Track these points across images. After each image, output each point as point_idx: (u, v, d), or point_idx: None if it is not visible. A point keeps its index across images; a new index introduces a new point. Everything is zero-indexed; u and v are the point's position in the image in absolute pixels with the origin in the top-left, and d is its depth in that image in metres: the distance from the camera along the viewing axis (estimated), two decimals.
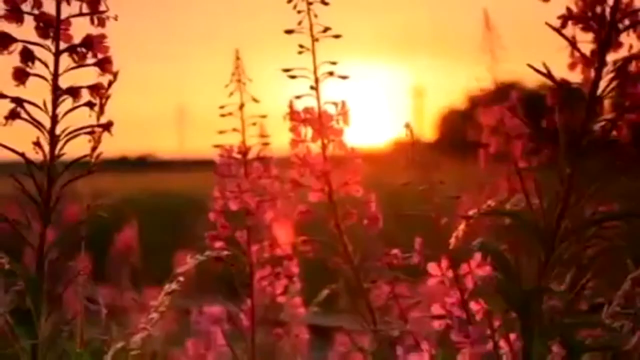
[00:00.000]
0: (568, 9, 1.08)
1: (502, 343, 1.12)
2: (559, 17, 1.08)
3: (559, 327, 1.10)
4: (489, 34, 2.20)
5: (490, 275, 1.08)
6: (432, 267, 1.13)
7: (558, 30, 1.05)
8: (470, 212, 1.26)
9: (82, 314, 1.18)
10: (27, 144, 1.21)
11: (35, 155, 1.20)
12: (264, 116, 1.48)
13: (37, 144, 1.19)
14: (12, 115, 1.17)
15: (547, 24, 1.05)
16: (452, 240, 1.20)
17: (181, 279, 1.19)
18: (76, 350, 1.20)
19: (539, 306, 1.09)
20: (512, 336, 1.12)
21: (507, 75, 2.21)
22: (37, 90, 1.19)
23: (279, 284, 1.52)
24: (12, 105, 1.17)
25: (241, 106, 1.48)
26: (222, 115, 1.48)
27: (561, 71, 1.22)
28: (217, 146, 1.48)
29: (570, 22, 1.11)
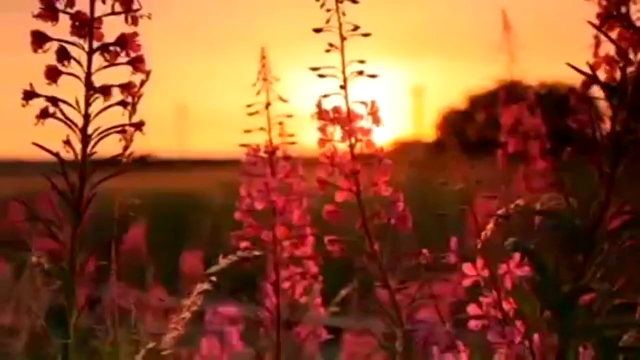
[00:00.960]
0: (606, 8, 1.08)
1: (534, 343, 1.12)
2: (598, 16, 1.08)
3: (595, 328, 1.10)
4: (507, 34, 2.20)
5: (528, 275, 1.08)
6: (467, 267, 1.12)
7: (599, 29, 1.04)
8: (500, 212, 1.27)
9: (115, 313, 1.18)
10: (51, 143, 1.21)
11: (65, 154, 1.20)
12: (290, 116, 1.48)
13: (68, 142, 1.18)
14: (44, 115, 1.16)
15: (590, 23, 1.05)
16: (481, 240, 1.20)
17: (213, 279, 1.19)
18: (108, 350, 1.19)
19: (576, 307, 1.09)
20: (537, 336, 1.12)
21: (523, 75, 2.21)
22: (62, 90, 1.18)
23: (301, 284, 1.51)
24: (42, 104, 1.17)
25: (267, 105, 1.48)
26: (250, 115, 1.47)
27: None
28: (243, 145, 1.48)
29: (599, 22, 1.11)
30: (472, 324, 1.10)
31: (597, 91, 1.12)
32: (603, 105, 1.12)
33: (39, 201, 1.22)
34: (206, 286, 1.18)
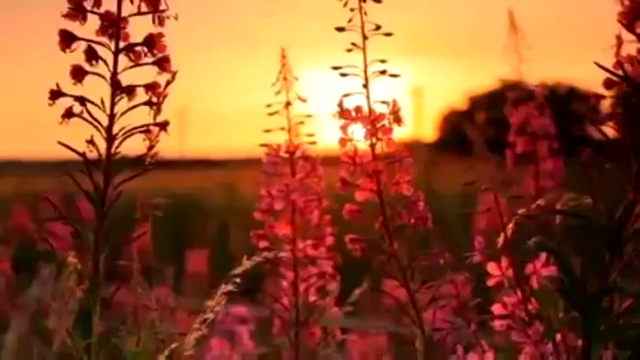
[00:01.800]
0: (631, 7, 1.08)
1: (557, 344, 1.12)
2: (621, 15, 1.08)
3: (620, 328, 1.10)
4: (514, 34, 2.20)
5: (554, 275, 1.08)
6: (491, 266, 1.13)
7: (629, 28, 1.04)
8: (521, 211, 1.27)
9: (139, 313, 1.18)
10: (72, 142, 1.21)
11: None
12: (309, 115, 1.48)
13: (91, 142, 1.18)
14: (69, 114, 1.16)
15: (619, 21, 1.05)
16: (501, 240, 1.20)
17: (237, 280, 1.19)
18: (131, 350, 1.19)
19: (602, 307, 1.09)
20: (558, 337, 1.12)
21: (531, 75, 2.21)
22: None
23: (318, 284, 1.52)
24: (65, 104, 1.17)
25: (287, 104, 1.48)
26: (270, 114, 1.47)
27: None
28: (263, 145, 1.48)
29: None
30: (497, 323, 1.10)
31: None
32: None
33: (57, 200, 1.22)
34: (230, 287, 1.18)
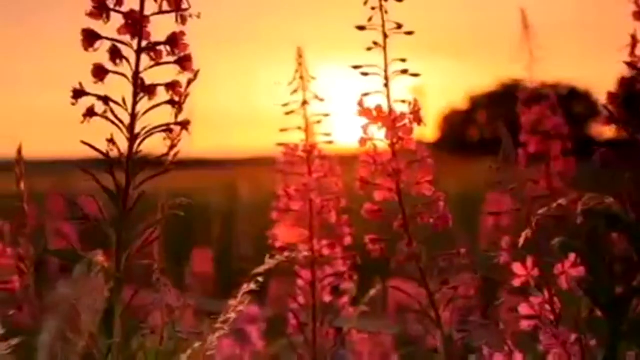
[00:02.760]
0: None
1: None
2: (635, 15, 1.09)
3: None
4: (526, 33, 2.19)
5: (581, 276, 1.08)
6: (517, 266, 1.12)
7: None
8: (541, 211, 1.26)
9: (164, 312, 1.17)
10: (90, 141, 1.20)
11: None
12: (327, 114, 1.47)
13: (112, 141, 1.18)
14: (90, 113, 1.16)
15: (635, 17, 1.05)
16: (522, 240, 1.20)
17: (260, 279, 1.19)
18: (153, 349, 1.19)
19: (629, 308, 1.08)
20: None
21: (545, 75, 2.20)
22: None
23: (333, 284, 1.51)
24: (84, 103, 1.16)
25: (304, 104, 1.47)
26: (287, 114, 1.47)
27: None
28: (280, 144, 1.47)
29: None
30: (524, 323, 1.10)
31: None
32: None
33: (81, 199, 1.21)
34: (252, 286, 1.18)
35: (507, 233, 1.14)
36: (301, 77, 1.47)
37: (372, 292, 1.84)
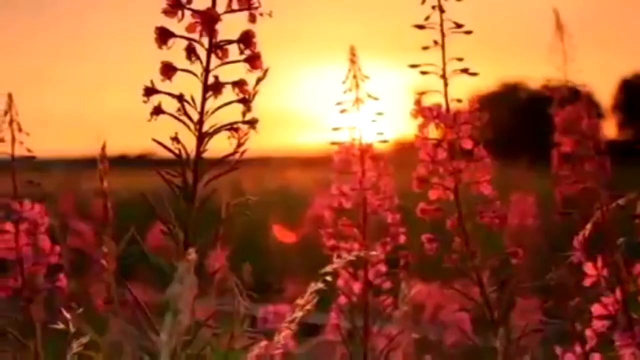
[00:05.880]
0: None
1: None
2: None
3: None
4: (559, 33, 2.18)
5: None
6: (588, 266, 1.12)
7: None
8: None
9: (238, 311, 1.17)
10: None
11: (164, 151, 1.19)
12: (380, 113, 1.47)
13: (176, 139, 1.17)
14: (158, 111, 1.15)
15: None
16: (579, 239, 1.20)
17: (329, 278, 1.18)
18: (222, 349, 1.18)
19: None
20: None
21: (577, 76, 2.20)
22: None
23: (386, 284, 1.51)
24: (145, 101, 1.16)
25: (357, 102, 1.47)
26: (342, 112, 1.46)
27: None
28: (334, 143, 1.47)
29: None
30: (597, 324, 1.10)
31: None
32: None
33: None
34: (320, 285, 1.17)
35: (578, 232, 1.13)
36: (354, 76, 1.47)
37: (413, 292, 1.84)
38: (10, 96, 1.44)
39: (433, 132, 1.35)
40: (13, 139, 1.43)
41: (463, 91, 1.37)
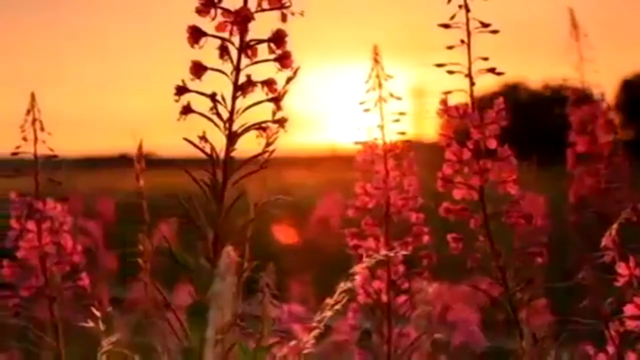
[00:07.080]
0: None
1: None
2: None
3: None
4: (575, 33, 2.18)
5: None
6: (621, 266, 1.12)
7: None
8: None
9: (266, 311, 1.17)
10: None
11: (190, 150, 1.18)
12: (403, 113, 1.47)
13: (204, 138, 1.17)
14: (187, 110, 1.15)
15: None
16: (610, 238, 1.19)
17: (357, 277, 1.18)
18: (249, 348, 1.18)
19: None
20: None
21: (593, 75, 2.19)
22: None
23: (405, 284, 1.51)
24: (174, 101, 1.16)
25: (379, 100, 1.46)
26: (365, 111, 1.46)
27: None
28: (358, 143, 1.46)
29: None
30: (630, 323, 1.10)
31: None
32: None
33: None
34: (349, 284, 1.17)
35: (608, 231, 1.13)
36: (377, 76, 1.46)
37: (430, 290, 1.84)
38: (32, 95, 1.44)
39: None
40: (35, 139, 1.43)
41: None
